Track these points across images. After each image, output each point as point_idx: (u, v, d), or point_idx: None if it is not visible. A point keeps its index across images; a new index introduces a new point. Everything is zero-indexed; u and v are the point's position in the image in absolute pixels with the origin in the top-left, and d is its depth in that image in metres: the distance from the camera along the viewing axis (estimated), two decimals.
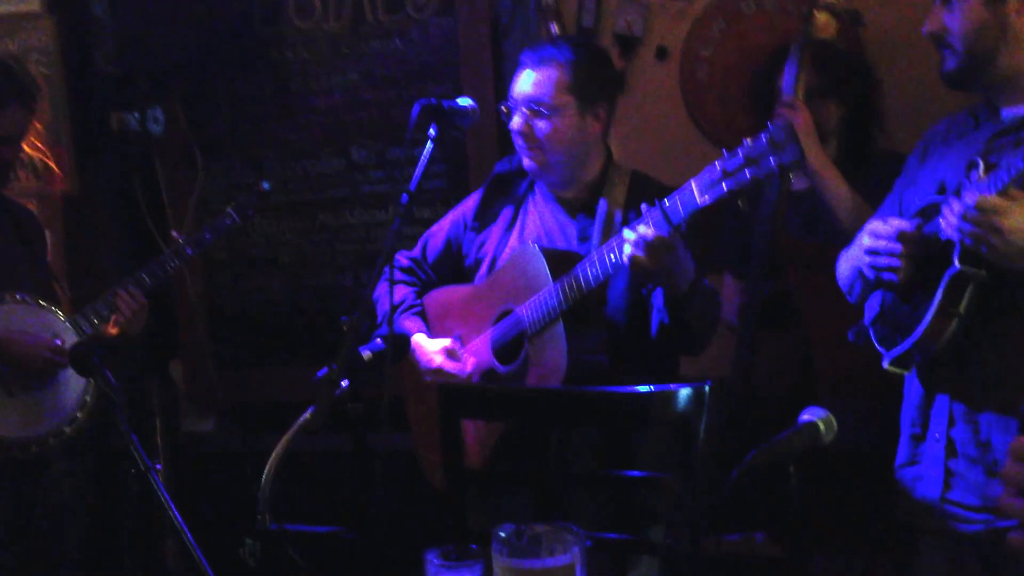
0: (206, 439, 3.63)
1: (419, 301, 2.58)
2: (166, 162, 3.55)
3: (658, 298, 2.19)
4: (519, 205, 2.47)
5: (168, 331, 3.63)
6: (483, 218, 2.50)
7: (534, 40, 3.29)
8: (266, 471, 1.93)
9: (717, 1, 3.18)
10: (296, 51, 3.49)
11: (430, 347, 2.42)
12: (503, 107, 2.38)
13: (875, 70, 2.84)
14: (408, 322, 2.52)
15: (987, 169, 1.71)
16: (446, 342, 2.42)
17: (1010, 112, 1.85)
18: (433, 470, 2.50)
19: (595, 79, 2.33)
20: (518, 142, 2.36)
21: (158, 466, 2.12)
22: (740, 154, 1.87)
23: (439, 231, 2.61)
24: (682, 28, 3.20)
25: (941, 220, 1.75)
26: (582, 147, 2.35)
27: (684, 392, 1.82)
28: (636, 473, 1.96)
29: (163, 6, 3.43)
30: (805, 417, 1.61)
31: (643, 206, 2.06)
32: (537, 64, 2.33)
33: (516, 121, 2.34)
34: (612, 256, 2.10)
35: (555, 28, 3.25)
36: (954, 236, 1.70)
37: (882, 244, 1.83)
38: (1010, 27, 1.80)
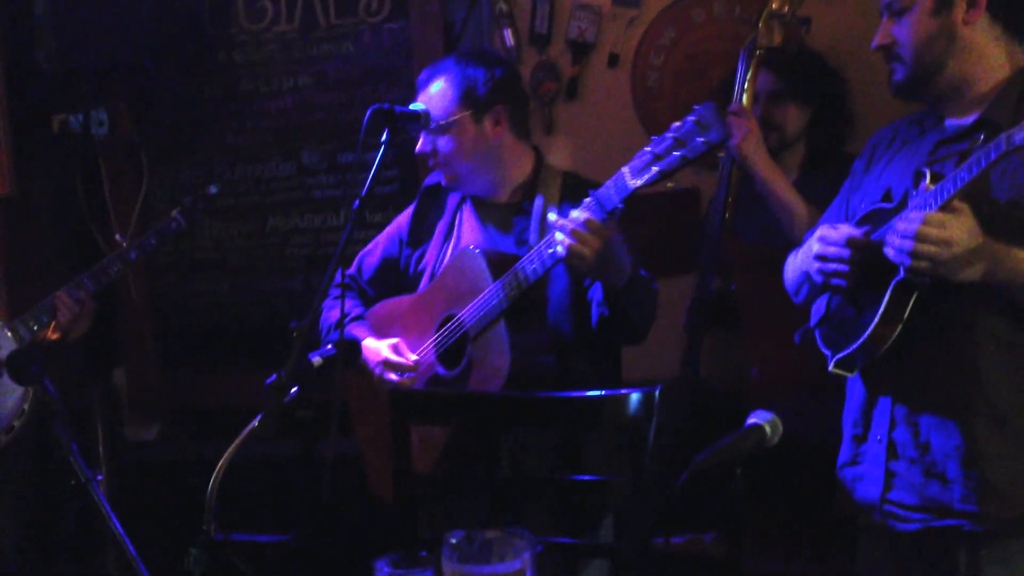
0: (150, 447, 3.57)
1: (363, 311, 2.57)
2: (110, 164, 3.50)
3: (597, 291, 2.21)
4: (453, 216, 2.48)
5: (110, 337, 3.56)
6: (418, 233, 2.51)
7: (486, 46, 3.30)
8: (212, 479, 1.90)
9: (668, 10, 3.22)
10: (246, 53, 3.46)
11: (377, 345, 2.42)
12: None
13: (842, 71, 2.87)
14: (356, 330, 2.51)
15: (933, 179, 1.75)
16: (392, 340, 2.42)
17: (954, 122, 1.89)
18: (381, 483, 2.48)
19: (482, 85, 2.33)
20: (429, 163, 2.38)
21: (99, 476, 2.06)
22: (669, 137, 1.92)
23: (374, 248, 2.61)
24: (634, 36, 3.24)
25: (887, 249, 1.77)
26: (489, 154, 2.35)
27: (635, 396, 1.84)
28: (587, 477, 1.96)
29: (108, 5, 3.37)
30: (752, 420, 1.64)
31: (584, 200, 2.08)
32: (427, 83, 2.36)
33: (419, 144, 2.37)
34: (550, 250, 2.11)
35: (508, 34, 3.26)
36: (903, 260, 1.72)
37: (832, 250, 1.86)
38: (957, 37, 1.84)
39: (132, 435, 3.58)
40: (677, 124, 1.91)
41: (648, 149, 1.95)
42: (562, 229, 2.04)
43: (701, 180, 3.20)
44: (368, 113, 2.19)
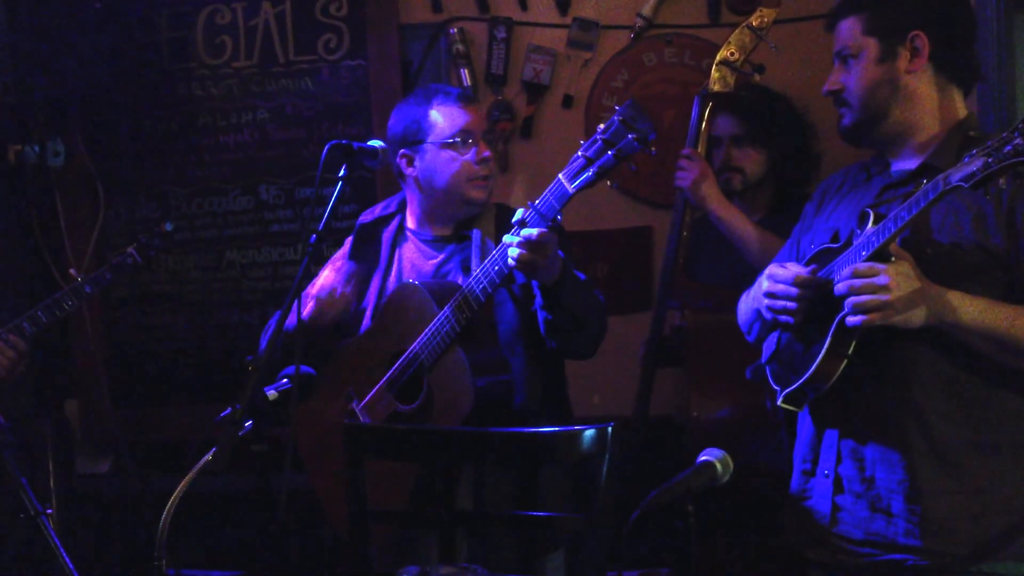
0: (102, 480, 3.51)
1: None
2: (66, 196, 3.47)
3: (539, 296, 2.25)
4: (392, 251, 2.50)
5: (62, 370, 3.52)
6: (355, 275, 2.52)
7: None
8: (164, 513, 1.89)
9: (621, 54, 3.30)
10: (205, 87, 3.46)
11: None
12: (452, 139, 2.37)
13: (808, 115, 2.93)
14: None
15: (876, 220, 1.81)
16: None
17: (899, 166, 1.96)
18: (339, 518, 2.47)
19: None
20: (479, 171, 2.38)
21: (49, 510, 2.05)
22: (598, 139, 1.97)
23: (311, 291, 2.62)
24: (588, 78, 3.31)
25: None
26: None
27: (588, 433, 1.86)
28: (540, 513, 1.99)
29: (67, 37, 3.36)
30: (703, 457, 1.66)
31: (520, 209, 2.13)
32: (473, 100, 2.45)
33: (487, 150, 2.40)
34: (497, 267, 2.16)
35: (465, 74, 3.31)
36: (855, 321, 1.76)
37: (780, 288, 1.91)
38: (901, 85, 1.91)
39: (84, 468, 3.52)
40: (602, 126, 1.96)
41: (580, 154, 1.99)
42: (516, 245, 2.09)
43: (654, 218, 3.28)
44: (326, 149, 2.21)
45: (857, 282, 1.74)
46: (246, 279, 3.47)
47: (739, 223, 2.61)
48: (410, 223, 2.51)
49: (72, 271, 2.91)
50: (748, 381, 2.17)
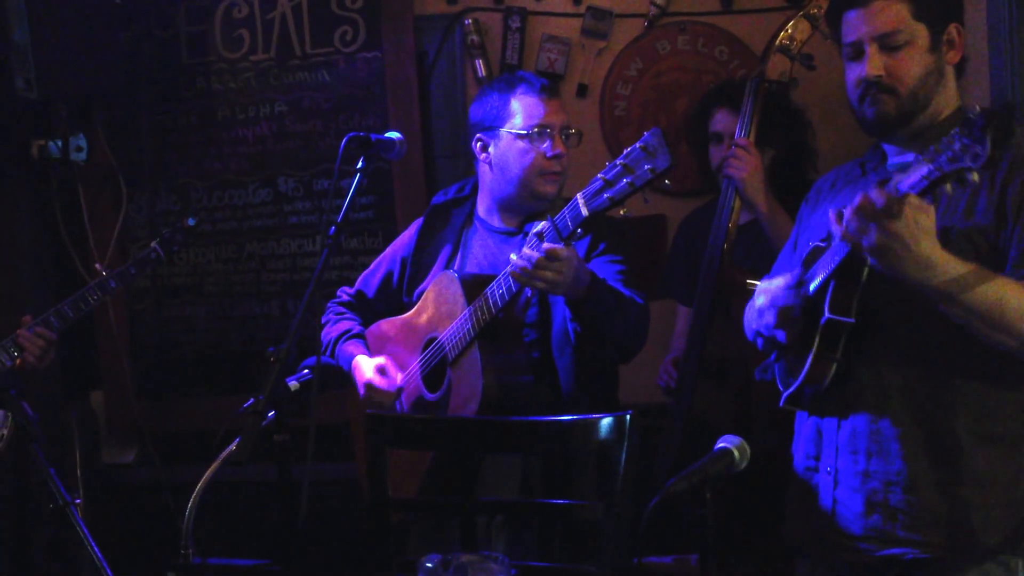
0: (127, 470, 3.56)
1: (363, 331, 2.61)
2: (89, 191, 3.50)
3: (566, 308, 2.25)
4: (458, 238, 2.51)
5: (87, 361, 3.56)
6: (422, 255, 2.53)
7: (459, 75, 3.36)
8: (190, 503, 1.91)
9: (635, 42, 3.30)
10: (223, 81, 3.48)
11: (365, 365, 2.45)
12: (527, 131, 2.35)
13: (806, 113, 2.91)
14: (351, 347, 2.54)
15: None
16: (380, 359, 2.45)
17: (896, 160, 1.93)
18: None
19: None
20: (551, 166, 2.37)
21: (77, 500, 2.09)
22: (618, 164, 1.96)
23: (378, 268, 2.64)
24: (602, 66, 3.31)
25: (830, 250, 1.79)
26: None
27: (606, 421, 1.86)
28: (560, 501, 2.01)
29: (88, 33, 3.38)
30: (721, 444, 1.67)
31: (540, 222, 2.13)
32: (555, 93, 2.41)
33: (563, 145, 2.38)
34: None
35: (480, 64, 3.32)
36: (841, 248, 1.72)
37: (767, 316, 1.90)
38: (945, 74, 1.87)
39: (109, 459, 3.56)
40: (628, 150, 1.96)
41: (600, 175, 1.99)
42: (519, 261, 2.08)
43: (667, 206, 3.27)
44: (344, 140, 2.21)
45: (861, 212, 1.65)
46: (265, 271, 3.50)
47: (785, 222, 2.54)
48: (480, 210, 2.51)
49: (97, 265, 2.95)
50: None
